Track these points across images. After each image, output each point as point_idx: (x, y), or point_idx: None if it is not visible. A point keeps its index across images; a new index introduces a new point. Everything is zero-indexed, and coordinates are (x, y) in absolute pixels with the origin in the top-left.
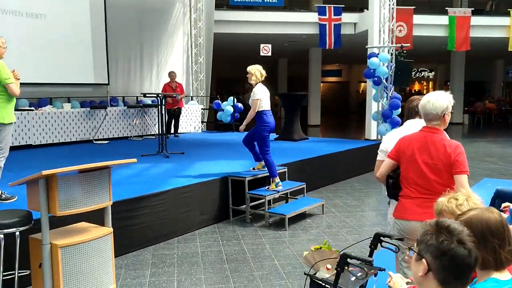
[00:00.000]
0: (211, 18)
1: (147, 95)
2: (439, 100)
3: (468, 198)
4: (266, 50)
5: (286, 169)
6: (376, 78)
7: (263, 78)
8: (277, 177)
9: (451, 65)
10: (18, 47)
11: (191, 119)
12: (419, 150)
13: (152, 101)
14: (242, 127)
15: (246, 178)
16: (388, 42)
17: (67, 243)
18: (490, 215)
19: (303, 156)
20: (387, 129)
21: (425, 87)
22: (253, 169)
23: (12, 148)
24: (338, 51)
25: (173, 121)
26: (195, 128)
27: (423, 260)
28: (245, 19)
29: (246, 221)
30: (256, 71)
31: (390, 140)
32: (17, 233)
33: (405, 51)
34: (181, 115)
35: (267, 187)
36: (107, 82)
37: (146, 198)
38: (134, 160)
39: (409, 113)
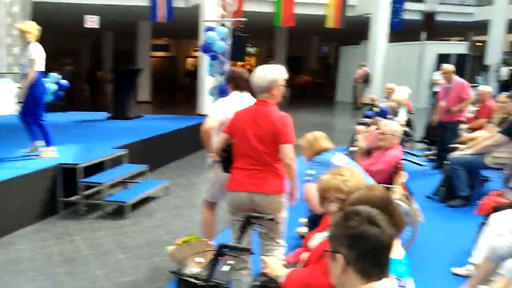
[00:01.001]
0: None
1: None
2: (268, 74)
3: (353, 173)
4: (92, 21)
5: (126, 151)
6: (213, 53)
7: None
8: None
9: (275, 41)
10: None
11: (3, 99)
12: (250, 123)
13: None
14: (22, 94)
15: (80, 165)
16: (226, 17)
17: None
18: (372, 193)
19: (143, 135)
20: None
21: (248, 63)
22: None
23: None
24: (168, 24)
25: None
26: (8, 109)
27: (339, 256)
28: None
29: (79, 213)
30: (32, 28)
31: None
32: None
33: (242, 25)
34: None
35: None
36: None
37: None
38: None
39: (237, 85)
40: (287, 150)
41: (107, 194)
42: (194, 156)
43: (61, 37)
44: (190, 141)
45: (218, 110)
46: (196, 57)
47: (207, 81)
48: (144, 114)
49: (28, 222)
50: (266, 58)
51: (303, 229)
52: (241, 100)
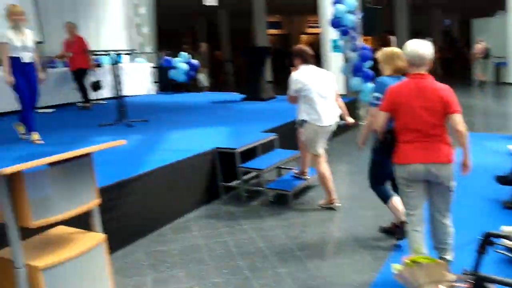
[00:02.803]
0: None
1: (95, 53)
2: (423, 48)
3: None
4: None
5: (277, 136)
6: (343, 27)
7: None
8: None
9: (395, 16)
10: None
11: (140, 79)
12: (415, 97)
13: (95, 60)
14: (10, 80)
15: (237, 150)
16: None
17: (50, 263)
18: None
19: (286, 118)
20: (361, 83)
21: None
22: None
23: None
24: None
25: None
26: (146, 89)
27: None
28: None
29: (241, 199)
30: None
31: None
32: None
33: None
34: (88, 79)
35: (295, 172)
36: (42, 40)
37: (126, 183)
38: (123, 142)
39: (304, 59)
40: (458, 119)
41: (266, 181)
42: (343, 138)
43: (178, 17)
44: None
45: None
46: (311, 33)
47: (332, 59)
48: (276, 96)
49: (196, 205)
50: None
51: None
52: (314, 71)
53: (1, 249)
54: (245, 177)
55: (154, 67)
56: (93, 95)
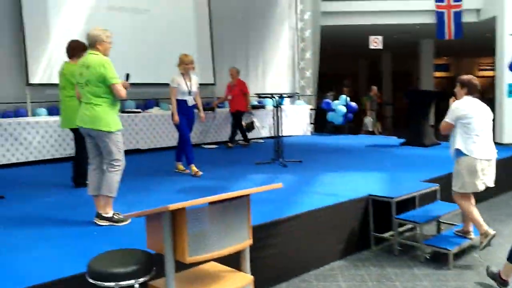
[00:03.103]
0: (318, 10)
1: (261, 96)
2: None
3: None
4: (376, 42)
5: (437, 187)
6: None
7: None
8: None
9: None
10: (123, 44)
11: (298, 120)
12: None
13: (259, 102)
14: (176, 120)
15: (394, 199)
16: None
17: None
18: None
19: (449, 168)
20: None
21: None
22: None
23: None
24: (452, 42)
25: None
26: (303, 130)
27: None
28: (353, 9)
29: (393, 253)
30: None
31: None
32: (136, 286)
33: None
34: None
35: (456, 230)
36: (213, 82)
37: (276, 224)
38: (279, 185)
39: (470, 90)
40: None
41: (422, 235)
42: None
43: (339, 60)
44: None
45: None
46: (482, 76)
47: (507, 104)
48: (441, 142)
49: (343, 254)
50: None
51: None
52: (477, 104)
53: (157, 278)
54: (400, 229)
55: (312, 109)
56: (252, 134)
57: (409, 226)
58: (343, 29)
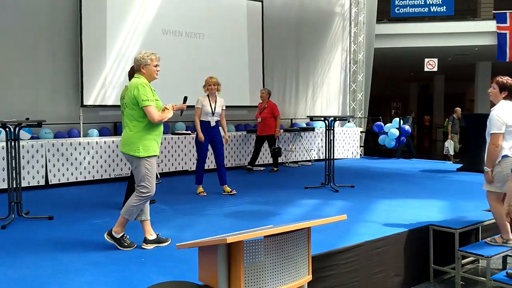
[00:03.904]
0: (372, 32)
1: (314, 119)
2: None
3: None
4: (431, 65)
5: None
6: None
7: None
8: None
9: None
10: (177, 67)
11: (349, 143)
12: None
13: (307, 124)
14: (201, 137)
15: (457, 231)
16: None
17: None
18: None
19: None
20: None
21: None
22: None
23: (172, 174)
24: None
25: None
26: (352, 153)
27: None
28: (409, 31)
29: (454, 287)
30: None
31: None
32: None
33: None
34: (276, 147)
35: (488, 239)
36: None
37: (331, 255)
38: (344, 217)
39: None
40: None
41: (485, 269)
42: None
43: (390, 82)
44: None
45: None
46: None
47: None
48: None
49: (401, 286)
50: None
51: None
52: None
53: None
54: (464, 261)
55: (363, 132)
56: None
57: (471, 258)
58: (395, 52)
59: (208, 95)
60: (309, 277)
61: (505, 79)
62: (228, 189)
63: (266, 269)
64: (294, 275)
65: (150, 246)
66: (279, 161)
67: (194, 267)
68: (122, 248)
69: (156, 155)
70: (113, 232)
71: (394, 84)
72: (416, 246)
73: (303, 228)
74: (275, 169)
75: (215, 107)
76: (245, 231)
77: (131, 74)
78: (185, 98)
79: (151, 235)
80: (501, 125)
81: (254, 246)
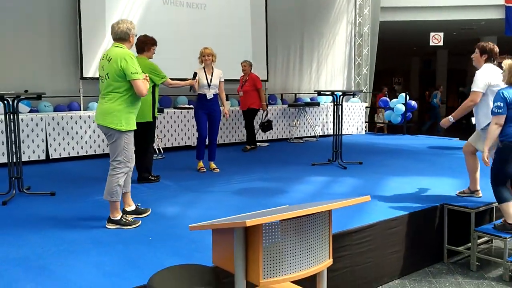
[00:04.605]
0: (378, 4)
1: (321, 93)
2: None
3: None
4: (437, 39)
5: None
6: None
7: None
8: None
9: None
10: (178, 39)
11: (353, 118)
12: None
13: (311, 99)
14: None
15: (473, 211)
16: None
17: None
18: None
19: None
20: None
21: None
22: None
23: (175, 149)
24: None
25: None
26: (357, 129)
27: None
28: (415, 4)
29: (469, 268)
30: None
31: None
32: None
33: None
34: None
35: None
36: (266, 79)
37: (345, 235)
38: (367, 198)
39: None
40: None
41: (501, 250)
42: None
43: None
44: None
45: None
46: None
47: None
48: None
49: (414, 267)
50: None
51: None
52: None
53: None
54: (479, 240)
55: (367, 107)
56: (304, 132)
57: (485, 238)
58: (400, 25)
59: (204, 67)
60: (329, 261)
61: (485, 43)
62: (213, 165)
63: (285, 252)
64: (314, 259)
65: (129, 218)
66: (268, 137)
67: (202, 247)
68: (127, 227)
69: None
70: (112, 218)
71: (394, 58)
72: (431, 226)
73: (324, 211)
74: (251, 146)
75: (211, 79)
76: (262, 211)
77: (143, 43)
78: (195, 74)
79: (130, 206)
80: (482, 85)
81: (273, 229)
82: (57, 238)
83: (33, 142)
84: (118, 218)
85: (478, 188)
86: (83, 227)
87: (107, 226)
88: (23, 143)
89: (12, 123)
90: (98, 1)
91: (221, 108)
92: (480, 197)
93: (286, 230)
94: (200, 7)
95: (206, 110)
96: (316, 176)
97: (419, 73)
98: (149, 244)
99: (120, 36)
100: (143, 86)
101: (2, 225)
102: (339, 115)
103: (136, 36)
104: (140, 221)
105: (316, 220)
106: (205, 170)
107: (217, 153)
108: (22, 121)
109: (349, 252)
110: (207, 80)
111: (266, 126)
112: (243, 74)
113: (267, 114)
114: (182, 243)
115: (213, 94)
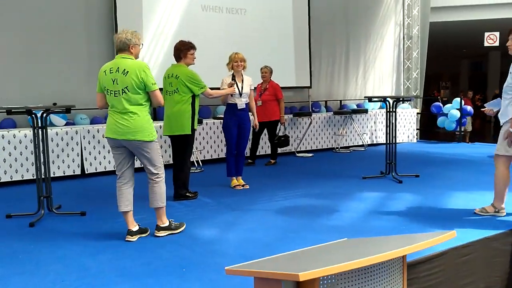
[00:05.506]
0: (428, 4)
1: (373, 99)
2: None
3: None
4: (492, 39)
5: None
6: None
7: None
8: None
9: None
10: (218, 45)
11: (404, 126)
12: None
13: (358, 105)
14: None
15: None
16: None
17: None
18: None
19: None
20: None
21: None
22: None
23: (214, 161)
24: None
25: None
26: (408, 137)
27: None
28: (466, 3)
29: None
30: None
31: None
32: None
33: None
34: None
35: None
36: (309, 85)
37: (411, 267)
38: (453, 234)
39: None
40: None
41: None
42: None
43: (441, 59)
44: None
45: None
46: None
47: None
48: None
49: None
50: None
51: None
52: None
53: None
54: None
55: (419, 113)
56: (351, 141)
57: None
58: (450, 26)
59: (233, 74)
60: None
61: None
62: (242, 182)
63: None
64: None
65: (163, 233)
66: (279, 152)
67: (244, 282)
68: (177, 231)
69: None
70: (161, 226)
71: (441, 61)
72: (507, 251)
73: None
74: (273, 161)
75: (242, 87)
76: (317, 248)
77: (176, 54)
78: (233, 78)
79: (135, 226)
80: None
81: (332, 281)
82: (81, 268)
83: (68, 156)
84: (167, 224)
85: (504, 205)
86: (110, 255)
87: (157, 234)
88: (58, 157)
89: (38, 138)
90: (135, 9)
91: (251, 118)
92: (504, 215)
93: (348, 282)
94: (240, 12)
95: (237, 120)
96: (369, 192)
97: (468, 76)
98: (182, 276)
99: (120, 47)
100: (161, 96)
101: (24, 250)
102: (392, 123)
103: (141, 46)
104: (185, 224)
105: (386, 268)
106: (241, 187)
107: (251, 167)
108: (56, 134)
109: (415, 286)
110: (239, 89)
111: (283, 141)
112: (261, 81)
113: (285, 128)
114: (220, 276)
115: (245, 104)
